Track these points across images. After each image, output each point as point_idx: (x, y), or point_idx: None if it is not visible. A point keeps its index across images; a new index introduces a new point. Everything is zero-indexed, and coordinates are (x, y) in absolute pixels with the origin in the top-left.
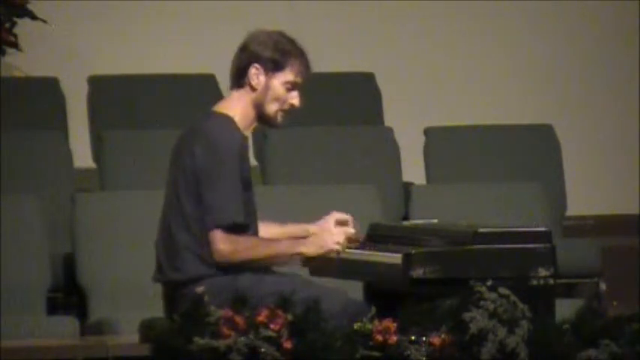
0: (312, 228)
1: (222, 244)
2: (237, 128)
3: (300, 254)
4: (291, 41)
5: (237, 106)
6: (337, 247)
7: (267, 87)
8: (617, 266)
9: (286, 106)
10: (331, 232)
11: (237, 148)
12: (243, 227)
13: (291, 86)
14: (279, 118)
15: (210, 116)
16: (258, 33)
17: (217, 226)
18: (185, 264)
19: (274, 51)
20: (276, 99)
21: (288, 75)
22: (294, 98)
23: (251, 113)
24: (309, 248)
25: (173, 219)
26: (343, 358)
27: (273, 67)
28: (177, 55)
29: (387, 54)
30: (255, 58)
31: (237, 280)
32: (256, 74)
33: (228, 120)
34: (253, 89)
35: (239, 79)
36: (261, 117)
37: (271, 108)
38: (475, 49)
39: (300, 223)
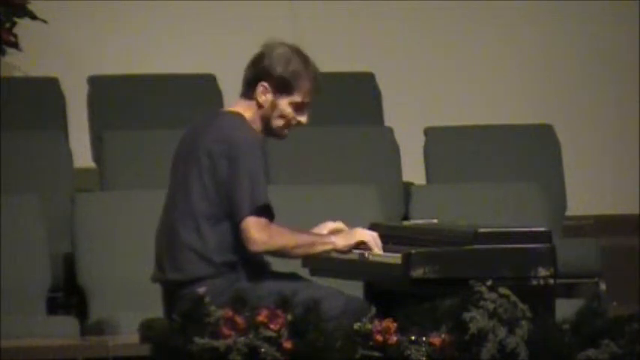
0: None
1: (257, 232)
2: (251, 127)
3: (332, 244)
4: (305, 61)
5: (245, 113)
6: (369, 238)
7: (273, 105)
8: (617, 266)
9: (293, 122)
10: (365, 230)
11: (256, 142)
12: (272, 213)
13: (299, 106)
14: (285, 132)
15: (222, 114)
16: (274, 46)
17: (249, 213)
18: (188, 264)
19: (285, 71)
20: (282, 117)
21: (295, 97)
22: (302, 116)
23: (258, 124)
24: (340, 240)
25: (179, 218)
26: (343, 358)
27: (282, 88)
28: (177, 55)
29: (387, 54)
30: (265, 76)
31: (237, 280)
32: (263, 92)
33: (242, 118)
34: (260, 106)
35: (248, 90)
36: (268, 130)
37: (277, 123)
38: (475, 49)
39: (302, 225)
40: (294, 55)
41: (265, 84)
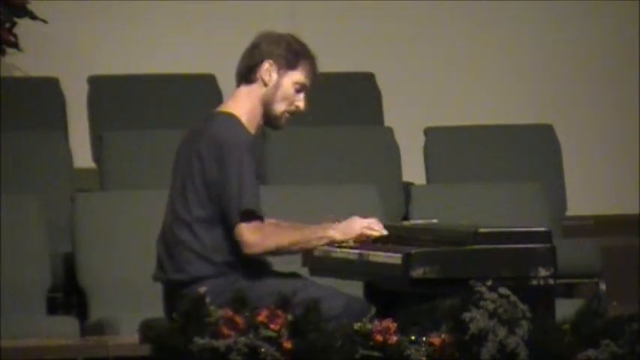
0: (326, 224)
1: (251, 234)
2: (243, 126)
3: (328, 238)
4: (302, 44)
5: (244, 104)
6: (367, 231)
7: (278, 84)
8: (617, 266)
9: (292, 108)
10: (360, 220)
11: (245, 142)
12: (261, 216)
13: (300, 87)
14: (284, 120)
15: (215, 116)
16: (269, 33)
17: (240, 217)
18: (187, 264)
19: (288, 50)
20: (285, 98)
21: (298, 75)
22: (301, 100)
23: (258, 111)
24: (337, 232)
25: (178, 220)
26: (343, 358)
27: (286, 65)
28: (177, 55)
29: (387, 54)
30: (269, 55)
31: (237, 280)
32: (269, 70)
33: (234, 118)
34: (265, 84)
35: (249, 74)
36: (267, 116)
37: (279, 108)
38: (475, 49)
39: (306, 222)
40: (292, 38)
41: (270, 61)
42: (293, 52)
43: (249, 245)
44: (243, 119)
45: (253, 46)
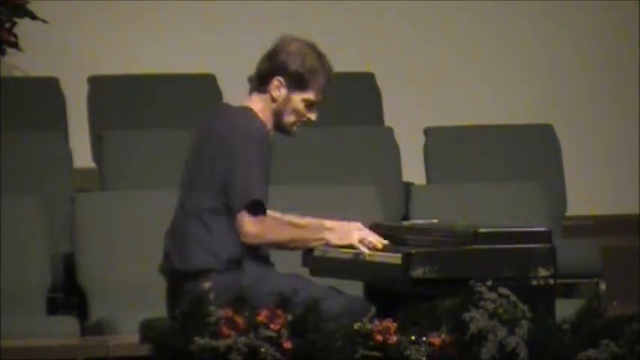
0: (328, 223)
1: (251, 225)
2: (259, 119)
3: (324, 240)
4: (320, 57)
5: (257, 105)
6: (361, 245)
7: (287, 100)
8: (617, 266)
9: (304, 119)
10: (360, 229)
11: (258, 133)
12: (264, 208)
13: (311, 104)
14: (295, 129)
15: (232, 109)
16: (290, 41)
17: (243, 207)
18: (194, 255)
19: (301, 67)
20: (295, 112)
21: (309, 94)
22: (312, 114)
23: (269, 119)
24: (334, 236)
25: (187, 212)
26: (343, 358)
27: (297, 84)
28: (177, 55)
29: (387, 54)
30: (280, 71)
31: (240, 278)
32: (278, 87)
33: (251, 112)
34: (273, 100)
35: (261, 84)
36: (278, 126)
37: (289, 119)
38: (475, 49)
39: (315, 218)
40: (310, 51)
41: (280, 78)
42: (307, 70)
43: (248, 235)
44: (259, 116)
45: (273, 52)
